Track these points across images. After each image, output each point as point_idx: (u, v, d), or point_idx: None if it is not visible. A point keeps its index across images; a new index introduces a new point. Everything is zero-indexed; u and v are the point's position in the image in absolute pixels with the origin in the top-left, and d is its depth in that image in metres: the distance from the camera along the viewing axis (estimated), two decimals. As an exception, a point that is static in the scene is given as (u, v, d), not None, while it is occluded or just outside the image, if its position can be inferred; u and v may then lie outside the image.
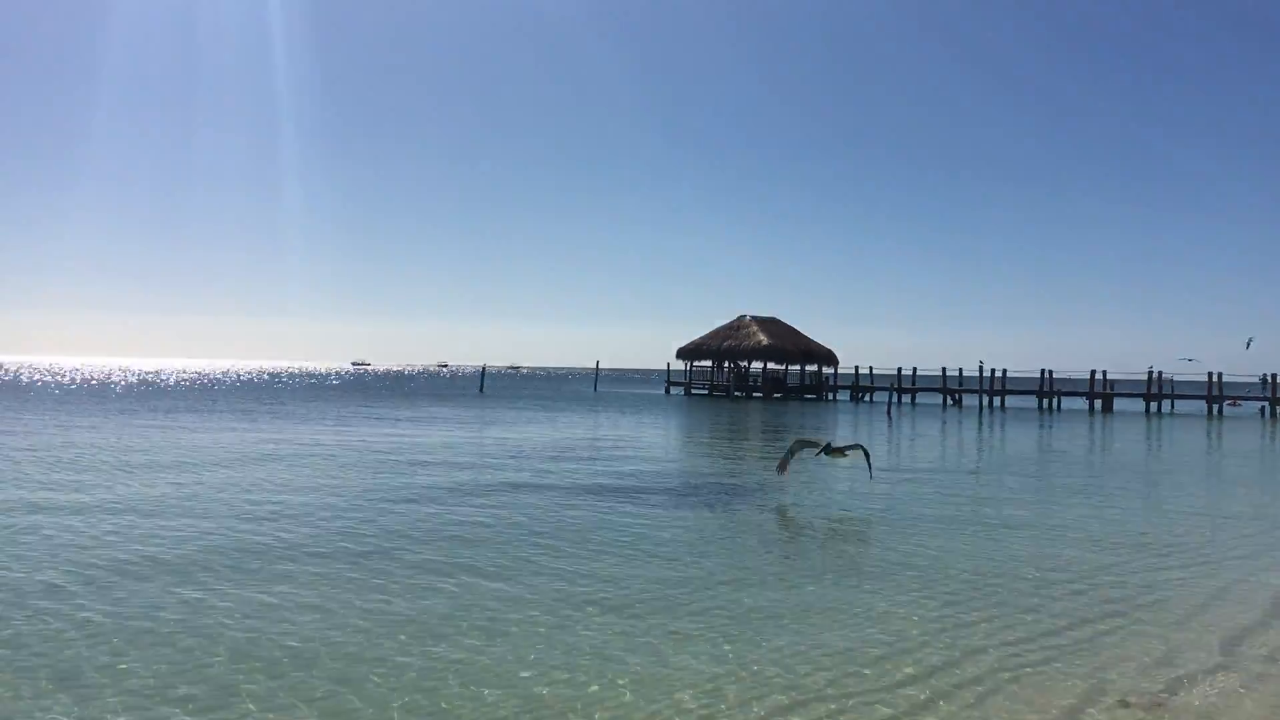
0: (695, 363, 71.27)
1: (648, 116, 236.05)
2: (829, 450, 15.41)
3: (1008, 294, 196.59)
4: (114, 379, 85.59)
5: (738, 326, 69.19)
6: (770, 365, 68.59)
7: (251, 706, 5.73)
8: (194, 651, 6.67)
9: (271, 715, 5.63)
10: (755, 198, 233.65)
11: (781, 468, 16.08)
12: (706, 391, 69.60)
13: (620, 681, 6.33)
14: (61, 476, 15.80)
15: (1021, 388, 60.04)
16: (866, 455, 15.57)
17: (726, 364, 69.25)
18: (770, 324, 69.20)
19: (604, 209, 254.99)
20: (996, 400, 58.99)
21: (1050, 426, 39.96)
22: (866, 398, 64.90)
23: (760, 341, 66.92)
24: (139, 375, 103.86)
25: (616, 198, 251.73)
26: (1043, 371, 58.63)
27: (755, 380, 68.69)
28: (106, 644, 6.80)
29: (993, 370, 59.45)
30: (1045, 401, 57.71)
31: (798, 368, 68.74)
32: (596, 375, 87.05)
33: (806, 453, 16.18)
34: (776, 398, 65.20)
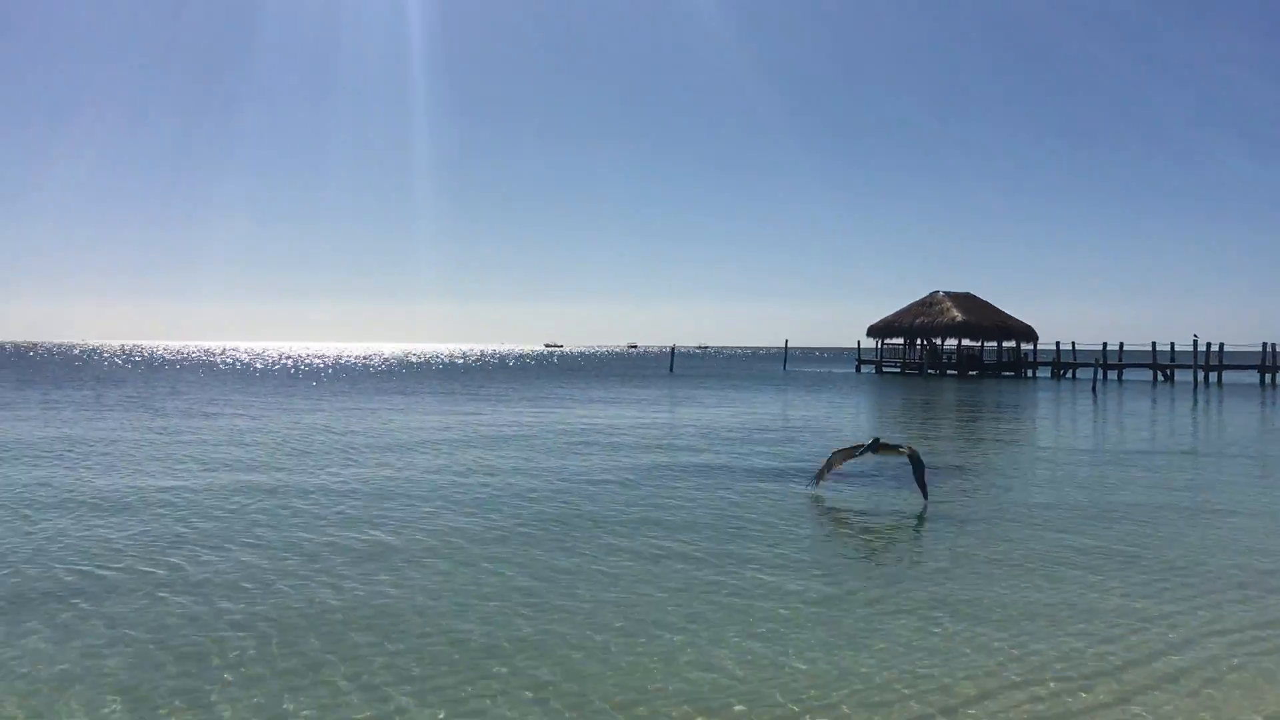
0: (886, 340, 70.04)
1: (836, 94, 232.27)
2: (876, 448, 13.22)
3: (1225, 263, 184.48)
4: (322, 362, 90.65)
5: (930, 303, 67.50)
6: (965, 342, 66.72)
7: (497, 686, 6.10)
8: (437, 632, 7.05)
9: (519, 691, 5.99)
10: (946, 171, 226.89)
11: (818, 478, 13.81)
12: (898, 369, 68.30)
13: (859, 667, 6.43)
14: (291, 459, 16.98)
15: (1241, 362, 56.31)
16: (917, 465, 12.63)
17: (919, 341, 67.72)
18: (965, 299, 67.20)
19: (791, 186, 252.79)
20: (1213, 376, 55.52)
21: (1275, 403, 37.42)
22: (1069, 375, 62.19)
23: (954, 318, 65.12)
24: (350, 359, 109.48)
25: (804, 175, 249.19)
26: (1265, 344, 54.77)
27: (949, 358, 66.93)
28: (356, 621, 7.32)
29: (1208, 344, 55.91)
30: (1268, 376, 53.93)
31: (994, 344, 66.63)
32: (786, 354, 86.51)
33: (849, 464, 13.84)
34: (972, 375, 63.36)
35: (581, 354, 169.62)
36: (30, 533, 10.22)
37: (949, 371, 65.43)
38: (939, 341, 67.33)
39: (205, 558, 9.11)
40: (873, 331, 70.07)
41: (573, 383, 51.18)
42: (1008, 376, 62.94)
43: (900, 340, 69.00)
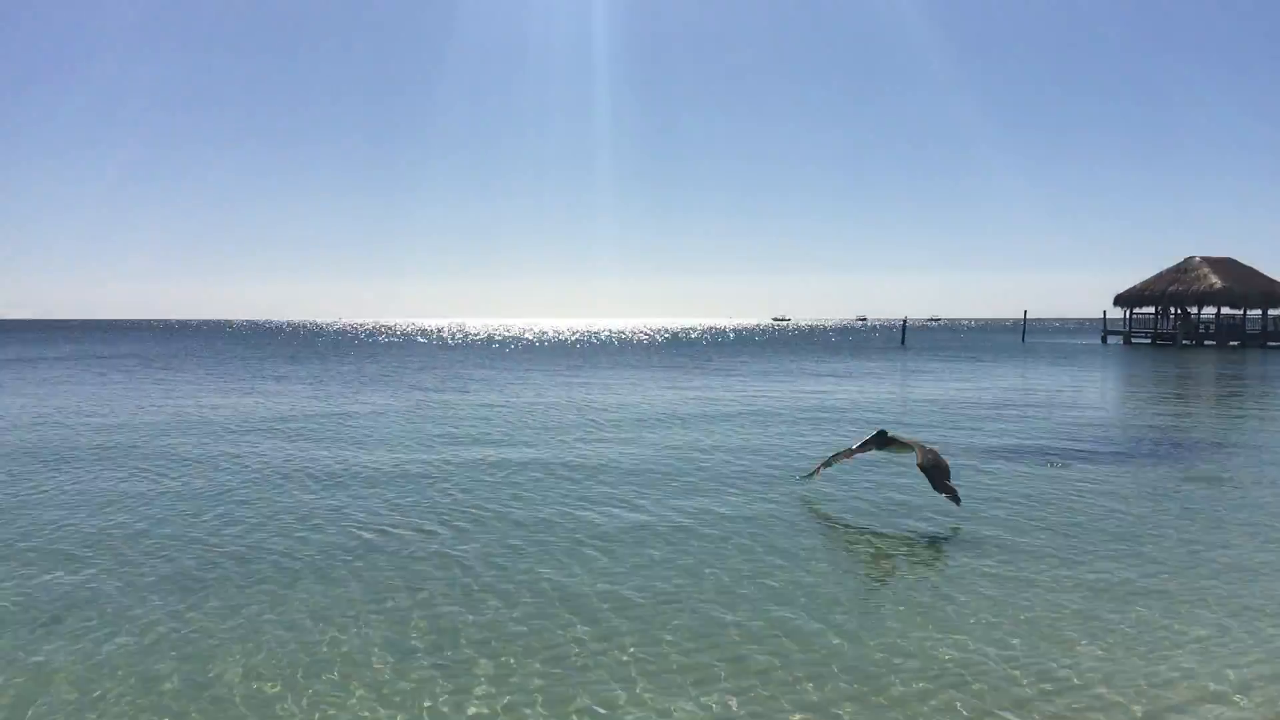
0: (1135, 310, 66.19)
1: (1073, 56, 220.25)
2: (884, 442, 10.73)
3: None
4: (552, 337, 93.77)
5: (1185, 269, 63.14)
6: (1225, 310, 62.15)
7: (775, 659, 6.36)
8: (718, 605, 7.26)
9: (802, 664, 6.26)
10: (1201, 129, 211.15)
11: (815, 472, 12.09)
12: (1149, 340, 64.45)
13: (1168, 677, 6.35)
14: (544, 434, 17.88)
15: None
16: (932, 474, 10.02)
17: (1173, 310, 63.62)
18: (1225, 265, 62.48)
19: (1025, 151, 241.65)
20: None
21: None
22: (1347, 344, 56.97)
23: (1212, 285, 60.69)
24: (581, 334, 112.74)
25: (1038, 138, 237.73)
26: None
27: (1207, 327, 62.53)
28: (635, 590, 7.79)
29: None
30: None
31: (1259, 312, 61.74)
32: (1024, 325, 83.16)
33: (844, 461, 11.72)
34: (1233, 346, 59.01)
35: (809, 327, 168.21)
36: (324, 498, 11.30)
37: (1206, 342, 61.17)
38: (1195, 310, 63.05)
39: (489, 523, 9.85)
40: (1120, 300, 66.31)
41: (803, 356, 50.99)
42: (1275, 347, 58.28)
43: (1151, 309, 65.08)
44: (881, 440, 10.79)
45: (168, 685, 5.72)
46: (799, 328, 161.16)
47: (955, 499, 9.79)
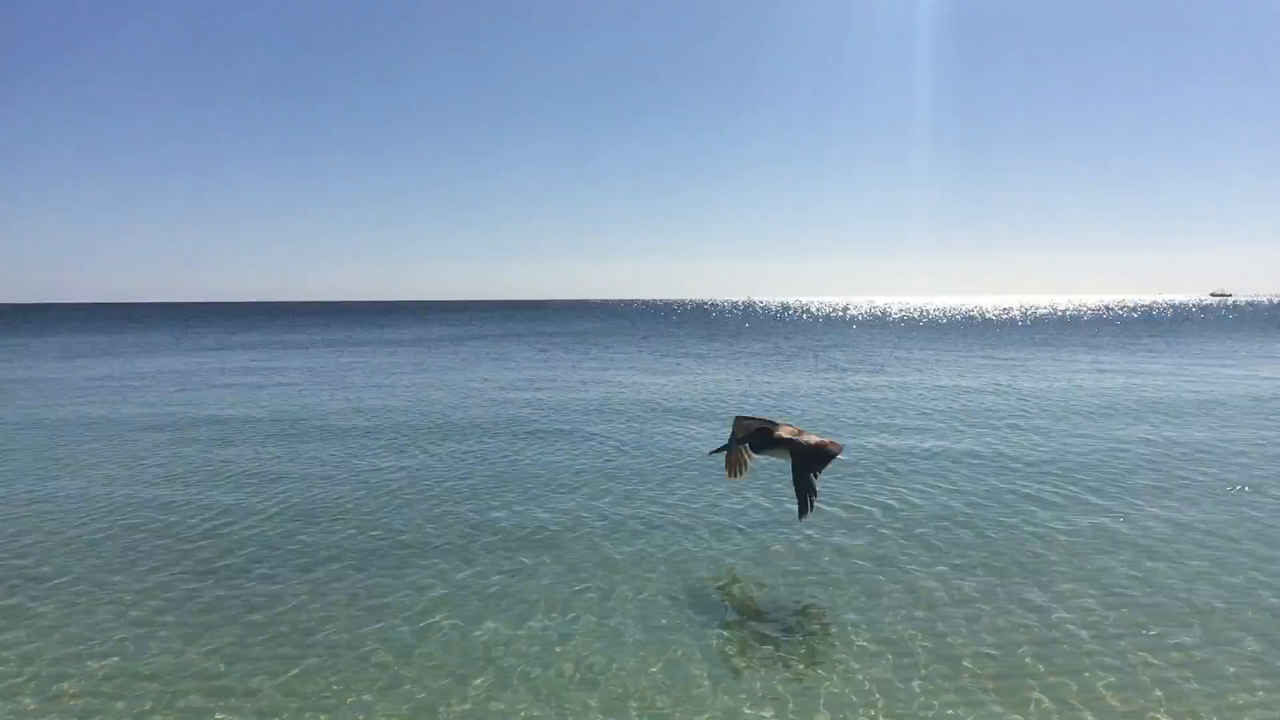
0: None
1: None
2: (759, 446, 8.20)
3: None
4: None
5: None
6: None
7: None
8: (1216, 634, 6.87)
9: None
10: None
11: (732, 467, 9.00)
12: None
13: None
14: (961, 420, 17.49)
15: None
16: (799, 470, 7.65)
17: None
18: None
19: None
20: None
21: None
22: None
23: None
24: (987, 310, 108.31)
25: None
26: None
27: None
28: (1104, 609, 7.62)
29: None
30: None
31: None
32: None
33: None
34: None
35: (1253, 304, 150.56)
36: (751, 480, 11.70)
37: None
38: None
39: (927, 517, 9.88)
40: None
41: (1248, 337, 45.95)
42: None
43: None
44: (759, 443, 8.26)
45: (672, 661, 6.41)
46: (1242, 304, 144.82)
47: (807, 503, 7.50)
